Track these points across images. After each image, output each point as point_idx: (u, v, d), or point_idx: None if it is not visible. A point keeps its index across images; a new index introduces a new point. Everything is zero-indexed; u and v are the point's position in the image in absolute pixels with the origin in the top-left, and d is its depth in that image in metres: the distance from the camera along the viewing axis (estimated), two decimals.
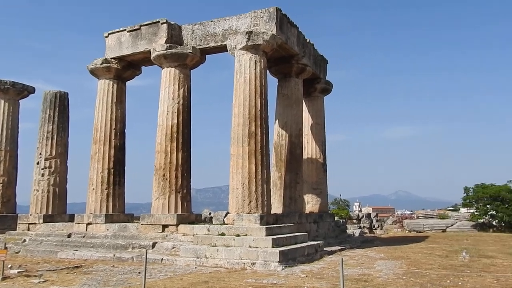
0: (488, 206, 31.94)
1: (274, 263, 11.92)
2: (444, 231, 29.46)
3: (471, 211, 34.48)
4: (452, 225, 30.82)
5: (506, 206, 30.60)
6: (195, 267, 12.27)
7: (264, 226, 13.52)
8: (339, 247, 16.86)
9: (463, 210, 40.73)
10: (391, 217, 53.25)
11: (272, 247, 12.59)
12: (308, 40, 19.00)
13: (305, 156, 19.92)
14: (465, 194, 33.92)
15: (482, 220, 31.91)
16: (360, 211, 54.53)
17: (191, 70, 17.60)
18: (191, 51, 16.63)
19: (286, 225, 15.08)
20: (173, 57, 16.56)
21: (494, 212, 31.60)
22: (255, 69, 15.21)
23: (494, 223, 32.17)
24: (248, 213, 14.21)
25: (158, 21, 17.10)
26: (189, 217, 16.36)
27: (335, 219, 22.71)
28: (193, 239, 14.31)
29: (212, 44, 16.72)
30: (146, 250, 9.71)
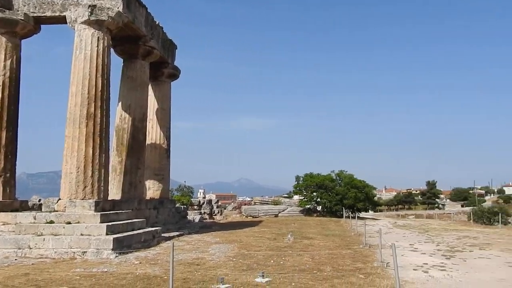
0: (314, 193, 35.91)
1: (107, 251, 11.51)
2: (276, 216, 32.08)
3: (302, 197, 38.28)
4: (284, 211, 33.76)
5: (329, 193, 34.86)
6: (15, 259, 11.10)
7: (99, 213, 12.91)
8: (177, 233, 17.07)
9: (296, 197, 44.71)
10: (232, 203, 55.90)
11: (107, 234, 12.11)
12: (157, 23, 18.58)
13: (148, 141, 19.58)
14: (296, 182, 37.52)
15: (308, 206, 35.72)
16: (204, 197, 55.95)
17: (22, 40, 15.70)
18: (22, 18, 14.80)
19: (124, 211, 14.64)
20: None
21: (319, 198, 35.71)
22: (97, 46, 14.27)
23: (318, 208, 36.34)
24: (82, 199, 13.38)
25: None
26: (12, 204, 14.70)
27: (177, 205, 22.88)
28: (15, 229, 12.87)
29: (48, 14, 15.13)
30: None
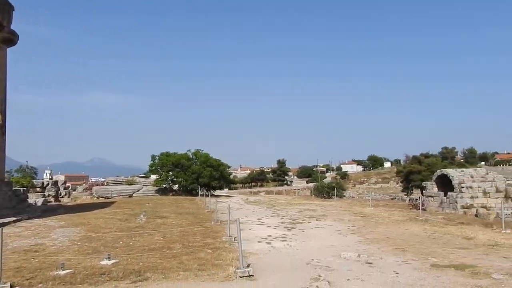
0: (170, 172, 35.73)
1: None
2: (131, 196, 31.16)
3: (158, 177, 37.77)
4: (138, 191, 32.95)
5: (185, 172, 35.03)
6: None
7: None
8: (14, 218, 15.34)
9: (153, 176, 43.95)
10: (84, 184, 52.49)
11: None
12: None
13: None
14: (152, 162, 36.85)
15: (164, 185, 35.45)
16: (51, 179, 51.51)
17: None
18: None
19: None
20: None
21: (175, 178, 35.66)
22: None
23: (174, 187, 36.31)
24: None
25: None
26: None
27: (15, 188, 20.51)
28: None
29: None
30: None
